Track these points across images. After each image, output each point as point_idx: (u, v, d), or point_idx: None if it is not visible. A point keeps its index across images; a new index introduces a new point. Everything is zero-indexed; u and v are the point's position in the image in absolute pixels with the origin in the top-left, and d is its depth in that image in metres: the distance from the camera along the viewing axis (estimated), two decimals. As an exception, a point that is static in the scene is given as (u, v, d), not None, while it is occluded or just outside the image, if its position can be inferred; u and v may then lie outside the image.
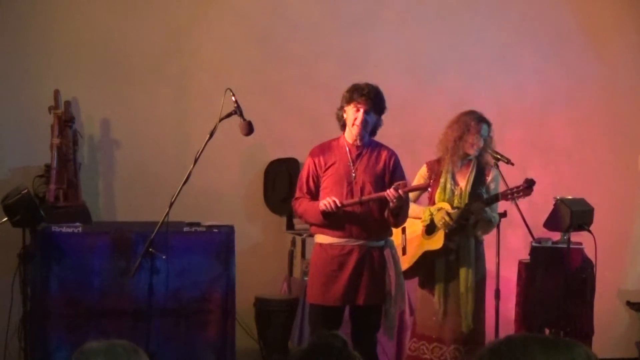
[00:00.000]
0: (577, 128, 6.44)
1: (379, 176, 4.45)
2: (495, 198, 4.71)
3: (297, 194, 4.56)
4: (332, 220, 4.37)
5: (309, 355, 1.88)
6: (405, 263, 4.84)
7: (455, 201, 4.81)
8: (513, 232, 5.74)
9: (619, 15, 6.50)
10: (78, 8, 5.82)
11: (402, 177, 4.49)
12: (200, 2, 6.02)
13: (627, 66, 6.51)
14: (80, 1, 5.86)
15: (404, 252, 4.90)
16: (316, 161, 4.51)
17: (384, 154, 4.50)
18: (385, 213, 4.41)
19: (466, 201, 4.77)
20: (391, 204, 4.30)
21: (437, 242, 4.77)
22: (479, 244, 4.88)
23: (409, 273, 4.89)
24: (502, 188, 4.77)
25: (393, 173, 4.47)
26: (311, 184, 4.51)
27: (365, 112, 4.40)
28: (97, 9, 5.85)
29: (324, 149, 4.55)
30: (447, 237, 4.74)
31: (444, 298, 4.80)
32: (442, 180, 4.83)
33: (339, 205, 4.31)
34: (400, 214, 4.42)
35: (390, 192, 4.25)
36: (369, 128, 4.46)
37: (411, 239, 4.88)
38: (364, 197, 4.38)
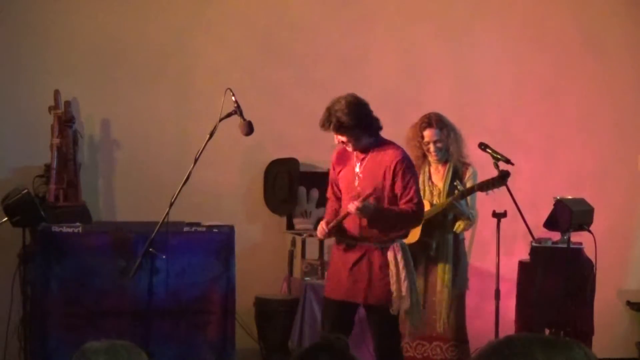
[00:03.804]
0: (576, 128, 6.44)
1: (379, 181, 4.31)
2: (472, 190, 4.74)
3: (327, 193, 4.63)
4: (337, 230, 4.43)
5: (309, 354, 1.89)
6: None
7: (435, 200, 4.90)
8: (513, 232, 5.74)
9: (619, 15, 6.50)
10: (78, 8, 5.82)
11: (404, 184, 4.29)
12: (200, 2, 6.02)
13: (627, 66, 6.50)
14: (81, 1, 5.86)
15: None
16: (334, 166, 4.55)
17: (387, 158, 4.33)
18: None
19: (445, 199, 4.82)
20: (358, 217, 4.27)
21: (413, 236, 4.82)
22: (458, 242, 4.91)
23: None
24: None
25: (394, 178, 4.30)
26: (335, 188, 4.55)
27: (341, 137, 4.34)
28: (97, 9, 5.85)
29: (339, 153, 4.52)
30: (427, 233, 4.78)
31: (424, 295, 4.84)
32: (419, 181, 4.89)
33: (327, 230, 4.39)
34: (378, 224, 4.30)
35: (350, 206, 4.23)
36: (355, 142, 4.35)
37: None
38: (338, 217, 4.38)
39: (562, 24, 6.45)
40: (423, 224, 4.82)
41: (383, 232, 4.32)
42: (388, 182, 4.29)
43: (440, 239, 4.87)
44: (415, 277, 4.42)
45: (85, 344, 1.94)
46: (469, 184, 4.86)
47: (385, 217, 4.30)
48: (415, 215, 4.30)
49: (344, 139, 4.31)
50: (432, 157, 4.93)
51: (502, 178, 4.64)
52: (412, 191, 4.27)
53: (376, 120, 4.39)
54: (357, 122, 4.26)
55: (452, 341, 4.85)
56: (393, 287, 4.29)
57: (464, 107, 6.09)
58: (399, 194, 4.28)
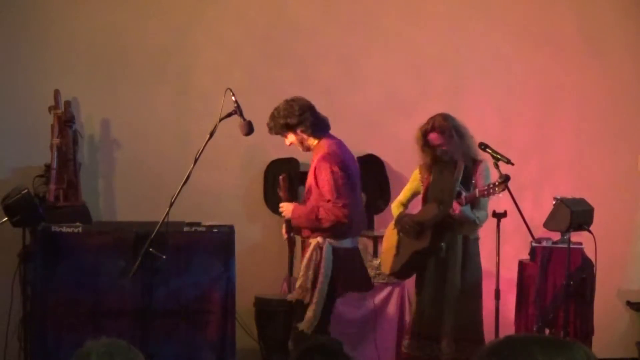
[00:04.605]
0: (577, 128, 6.44)
1: (309, 185, 4.50)
2: (473, 196, 4.73)
3: None
4: None
5: (304, 356, 1.90)
6: (397, 263, 4.92)
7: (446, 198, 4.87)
8: (513, 232, 5.74)
9: (619, 15, 6.49)
10: (78, 8, 5.83)
11: (320, 182, 4.40)
12: (200, 2, 6.02)
13: (627, 66, 6.50)
14: (80, 1, 5.86)
15: (397, 252, 4.94)
16: None
17: (314, 163, 4.48)
18: None
19: (454, 198, 4.82)
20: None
21: (424, 241, 4.83)
22: (469, 242, 4.89)
23: (403, 272, 5.02)
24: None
25: (316, 176, 4.42)
26: None
27: (286, 139, 4.55)
28: (97, 9, 5.85)
29: None
30: (437, 235, 4.78)
31: (435, 295, 4.83)
32: (431, 180, 4.88)
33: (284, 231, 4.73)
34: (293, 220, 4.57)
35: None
36: (299, 143, 4.52)
37: (404, 239, 4.93)
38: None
39: (563, 23, 6.44)
40: (433, 227, 4.80)
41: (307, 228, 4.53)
42: (313, 180, 4.44)
43: (450, 240, 4.86)
44: (324, 285, 4.43)
45: (85, 344, 1.94)
46: (480, 181, 4.85)
47: (297, 213, 4.48)
48: (326, 213, 4.36)
49: (289, 141, 4.48)
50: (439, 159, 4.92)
51: (503, 182, 4.63)
52: (324, 190, 4.36)
53: (322, 120, 4.48)
54: (294, 123, 4.40)
55: (464, 341, 4.81)
56: (299, 279, 4.46)
57: (464, 107, 6.08)
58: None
